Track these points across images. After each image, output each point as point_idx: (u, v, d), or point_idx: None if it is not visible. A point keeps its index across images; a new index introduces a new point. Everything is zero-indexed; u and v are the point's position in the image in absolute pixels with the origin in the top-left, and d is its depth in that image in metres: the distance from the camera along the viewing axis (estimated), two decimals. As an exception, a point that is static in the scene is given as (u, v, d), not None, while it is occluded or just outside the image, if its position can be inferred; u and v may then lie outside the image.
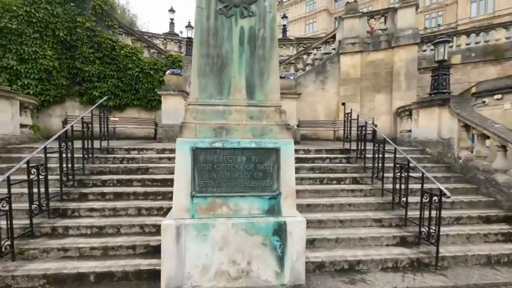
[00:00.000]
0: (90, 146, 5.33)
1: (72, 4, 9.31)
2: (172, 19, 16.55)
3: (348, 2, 10.56)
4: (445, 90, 6.37)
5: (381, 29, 10.40)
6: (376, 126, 9.56)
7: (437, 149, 6.25)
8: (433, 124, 6.36)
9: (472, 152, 5.70)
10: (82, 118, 5.01)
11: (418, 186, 4.25)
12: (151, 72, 10.14)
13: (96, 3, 9.46)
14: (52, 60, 8.85)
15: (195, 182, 3.00)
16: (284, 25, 17.36)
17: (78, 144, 4.89)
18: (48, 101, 9.02)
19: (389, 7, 11.10)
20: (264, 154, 3.12)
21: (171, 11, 16.39)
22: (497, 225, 4.40)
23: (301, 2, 45.55)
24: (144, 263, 3.32)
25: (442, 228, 4.10)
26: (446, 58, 6.41)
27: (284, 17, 17.97)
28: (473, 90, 8.46)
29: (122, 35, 10.42)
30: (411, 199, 4.47)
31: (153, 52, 10.85)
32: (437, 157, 6.20)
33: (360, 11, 10.33)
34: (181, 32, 21.62)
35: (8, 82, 8.22)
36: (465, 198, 4.96)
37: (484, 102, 7.89)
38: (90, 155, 5.33)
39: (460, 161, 5.66)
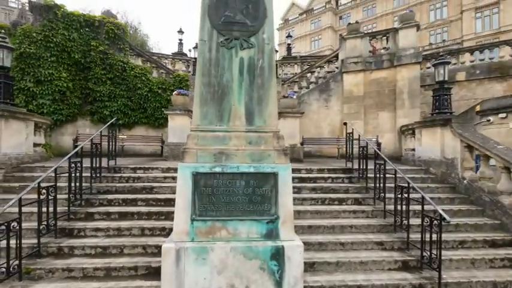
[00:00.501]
0: (98, 165, 5.53)
1: (87, 29, 9.89)
2: (180, 39, 17.27)
3: (349, 23, 10.87)
4: (446, 110, 6.41)
5: (383, 48, 10.61)
6: (380, 144, 9.62)
7: (441, 169, 6.21)
8: (436, 144, 6.36)
9: (476, 173, 5.65)
10: (91, 140, 5.23)
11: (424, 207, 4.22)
12: (159, 91, 10.52)
13: (110, 28, 10.03)
14: (66, 82, 9.33)
15: (195, 206, 3.10)
16: (289, 44, 17.86)
17: (87, 161, 5.11)
18: (60, 120, 9.42)
19: (391, 28, 11.33)
20: (262, 178, 3.22)
21: (180, 32, 17.13)
22: (503, 250, 4.30)
23: (307, 20, 46.82)
24: (145, 285, 3.39)
25: (446, 252, 4.06)
26: (446, 79, 6.49)
27: (289, 36, 18.50)
28: (478, 108, 8.46)
29: (133, 56, 10.92)
30: (414, 221, 4.45)
31: (162, 72, 11.29)
32: (441, 177, 6.14)
33: (362, 31, 10.60)
34: (190, 51, 22.42)
35: (24, 102, 8.68)
36: (470, 220, 4.88)
37: (489, 120, 7.87)
38: (98, 174, 5.53)
39: (465, 181, 5.61)
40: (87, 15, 10.05)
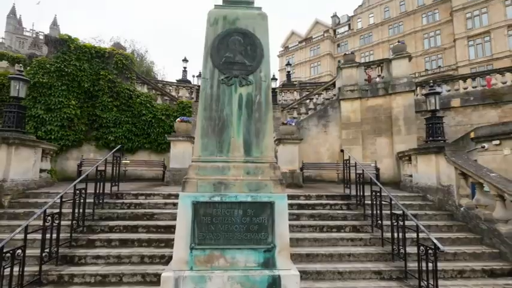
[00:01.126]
0: (101, 191, 5.68)
1: (97, 60, 10.51)
2: (185, 67, 18.10)
3: (345, 54, 11.46)
4: (440, 138, 6.62)
5: (378, 76, 11.09)
6: (378, 169, 9.75)
7: (437, 196, 6.29)
8: (432, 171, 6.49)
9: (472, 200, 5.72)
10: (96, 167, 5.43)
11: (420, 235, 4.25)
12: (163, 117, 10.90)
13: (118, 59, 10.65)
14: (75, 109, 9.75)
15: (194, 235, 3.21)
16: (288, 71, 18.65)
17: (90, 186, 5.25)
18: (67, 145, 9.71)
19: (385, 58, 11.91)
20: (259, 208, 3.35)
21: (185, 60, 18.01)
22: (502, 280, 4.28)
23: (306, 47, 48.85)
24: (143, 315, 3.40)
25: (444, 282, 4.06)
26: (438, 108, 6.78)
27: (288, 64, 19.35)
28: (472, 135, 8.67)
29: (139, 84, 11.46)
30: (411, 249, 4.47)
31: (166, 99, 11.76)
32: (438, 204, 6.21)
33: (357, 61, 11.15)
34: (193, 77, 23.33)
35: (34, 129, 9.03)
36: (468, 249, 4.89)
37: (483, 147, 8.04)
38: (101, 201, 5.66)
39: (462, 209, 5.67)
40: (98, 47, 10.73)
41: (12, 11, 65.49)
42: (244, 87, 3.73)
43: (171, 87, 15.00)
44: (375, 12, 42.79)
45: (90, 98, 10.34)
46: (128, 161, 9.55)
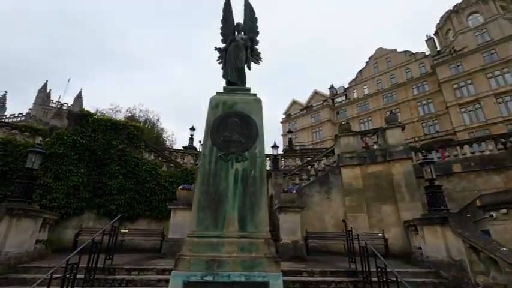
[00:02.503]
0: (94, 265, 5.45)
1: (111, 131, 11.37)
2: (192, 135, 19.20)
3: (341, 123, 12.21)
4: (442, 207, 6.50)
5: (374, 142, 11.53)
6: (387, 239, 9.26)
7: (451, 272, 5.81)
8: (440, 243, 6.17)
9: (489, 277, 5.26)
10: (93, 239, 5.37)
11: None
12: (167, 184, 11.09)
13: (131, 130, 11.53)
14: (82, 177, 10.09)
15: (183, 321, 3.00)
16: (290, 138, 19.57)
17: (85, 259, 5.06)
18: (68, 213, 9.70)
19: (378, 127, 12.59)
20: (253, 289, 3.20)
21: (192, 129, 19.24)
22: None
23: (307, 114, 51.99)
24: None
25: None
26: (434, 177, 6.86)
27: (289, 131, 20.42)
28: (478, 203, 8.46)
29: (147, 152, 12.06)
30: None
31: (171, 166, 12.17)
32: (453, 282, 5.69)
33: (353, 131, 11.80)
34: (200, 142, 24.44)
35: (39, 197, 9.20)
36: None
37: (492, 216, 7.75)
38: (92, 277, 5.38)
39: (479, 288, 5.17)
40: (113, 120, 11.76)
41: (44, 86, 73.77)
42: (240, 163, 4.00)
43: (177, 154, 15.65)
44: (368, 84, 46.78)
45: (99, 166, 10.80)
46: (126, 230, 9.33)
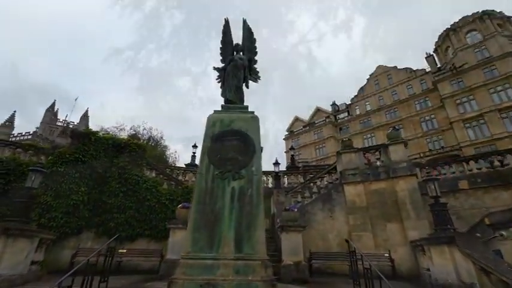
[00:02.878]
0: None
1: (113, 149, 11.44)
2: (194, 153, 19.24)
3: (343, 140, 12.15)
4: (448, 226, 6.27)
5: (377, 159, 11.38)
6: (393, 260, 8.88)
7: (462, 297, 5.49)
8: (448, 264, 5.89)
9: (504, 303, 4.95)
10: (88, 260, 5.23)
11: None
12: (167, 202, 10.96)
13: (133, 148, 11.60)
14: (83, 195, 10.04)
15: None
16: (292, 155, 19.47)
17: (78, 280, 4.89)
18: (66, 233, 9.55)
19: (381, 144, 12.50)
20: (248, 316, 3.03)
21: (194, 146, 19.32)
22: None
23: (310, 131, 52.09)
24: None
25: None
26: (439, 194, 6.68)
27: (292, 148, 20.37)
28: (487, 221, 8.17)
29: (148, 169, 12.04)
30: None
31: (172, 184, 12.09)
32: (465, 307, 5.36)
33: (355, 147, 11.71)
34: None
35: (38, 216, 9.11)
36: None
37: (502, 235, 7.44)
38: (84, 302, 5.18)
39: (493, 314, 4.85)
40: (115, 138, 11.88)
41: (52, 106, 75.69)
42: (237, 181, 3.94)
43: (178, 172, 15.60)
44: (370, 101, 47.09)
45: (99, 184, 10.76)
46: (125, 250, 9.13)
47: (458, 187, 12.87)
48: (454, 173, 13.38)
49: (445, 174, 12.46)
